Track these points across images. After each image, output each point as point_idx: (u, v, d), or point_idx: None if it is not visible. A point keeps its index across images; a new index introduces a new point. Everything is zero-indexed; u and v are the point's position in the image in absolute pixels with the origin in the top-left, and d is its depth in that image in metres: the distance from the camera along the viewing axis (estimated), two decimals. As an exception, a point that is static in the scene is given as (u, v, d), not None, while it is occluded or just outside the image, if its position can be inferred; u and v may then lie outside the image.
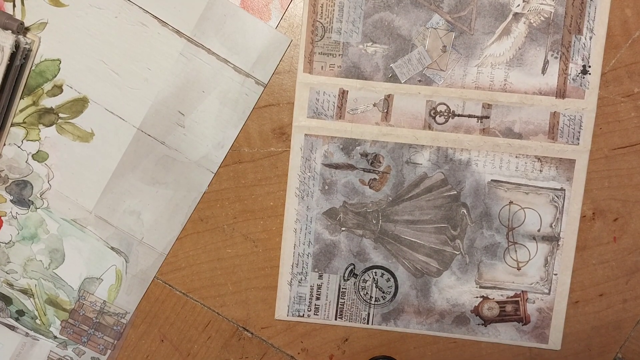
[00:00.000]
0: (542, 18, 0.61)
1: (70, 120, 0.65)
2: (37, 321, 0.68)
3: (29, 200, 0.66)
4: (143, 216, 0.65)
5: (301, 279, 0.65)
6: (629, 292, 0.65)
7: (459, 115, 0.63)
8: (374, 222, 0.64)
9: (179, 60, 0.63)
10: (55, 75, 0.64)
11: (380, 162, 0.64)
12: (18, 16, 0.63)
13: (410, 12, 0.62)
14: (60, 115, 0.64)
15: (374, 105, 0.63)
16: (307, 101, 0.63)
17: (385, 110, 0.63)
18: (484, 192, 0.64)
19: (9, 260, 0.67)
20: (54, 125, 0.65)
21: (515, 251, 0.64)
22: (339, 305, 0.66)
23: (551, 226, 0.64)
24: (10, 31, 0.60)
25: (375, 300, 0.65)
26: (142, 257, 0.66)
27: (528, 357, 0.66)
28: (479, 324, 0.65)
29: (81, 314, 0.67)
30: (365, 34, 0.62)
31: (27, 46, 0.62)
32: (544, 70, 0.62)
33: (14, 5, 0.63)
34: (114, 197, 0.65)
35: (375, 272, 0.65)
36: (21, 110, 0.64)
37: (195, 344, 0.68)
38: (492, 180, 0.63)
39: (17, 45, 0.61)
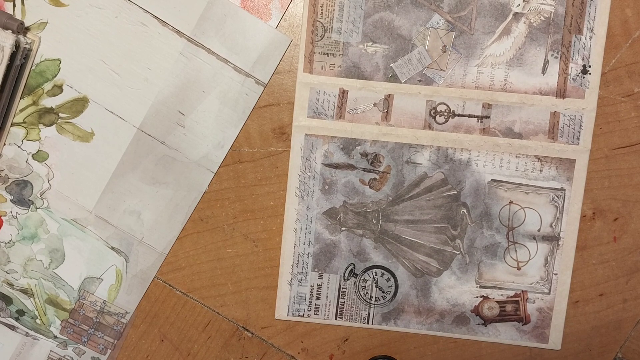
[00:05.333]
0: (542, 18, 0.61)
1: (70, 120, 0.65)
2: (37, 321, 0.68)
3: (29, 200, 0.66)
4: (143, 216, 0.65)
5: (301, 279, 0.65)
6: (629, 292, 0.65)
7: (459, 115, 0.63)
8: (374, 221, 0.64)
9: (179, 60, 0.63)
10: (56, 75, 0.64)
11: (380, 162, 0.64)
12: (18, 16, 0.63)
13: (411, 12, 0.62)
14: (61, 115, 0.64)
15: (374, 105, 0.63)
16: (307, 101, 0.63)
17: (385, 110, 0.63)
18: (484, 191, 0.64)
19: (9, 260, 0.67)
20: (54, 125, 0.65)
21: (516, 251, 0.64)
22: (339, 305, 0.66)
23: (551, 226, 0.64)
24: (11, 31, 0.60)
25: (375, 300, 0.65)
26: (142, 257, 0.66)
27: (528, 357, 0.66)
28: (479, 324, 0.65)
29: (81, 313, 0.67)
30: (365, 33, 0.62)
31: (27, 46, 0.62)
32: (544, 70, 0.62)
33: (14, 5, 0.63)
34: (114, 197, 0.65)
35: (376, 272, 0.65)
36: (21, 110, 0.64)
37: (195, 343, 0.68)
38: (492, 180, 0.63)
39: (17, 45, 0.61)
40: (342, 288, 0.66)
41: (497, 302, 0.65)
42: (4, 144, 0.65)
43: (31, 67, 0.64)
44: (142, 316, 0.67)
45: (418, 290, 0.65)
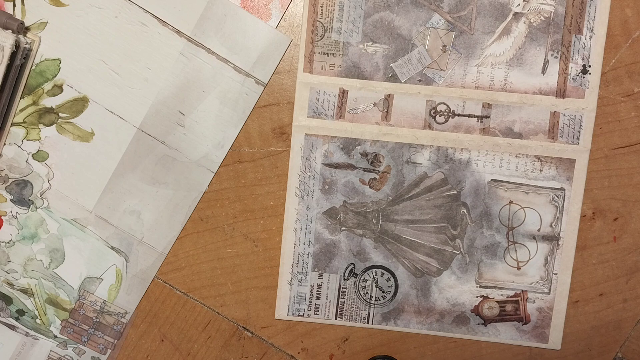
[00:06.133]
0: (542, 18, 0.61)
1: (70, 120, 0.65)
2: (37, 321, 0.68)
3: (29, 199, 0.66)
4: (143, 216, 0.65)
5: (301, 279, 0.65)
6: (629, 292, 0.65)
7: (459, 115, 0.63)
8: (374, 221, 0.64)
9: (179, 60, 0.63)
10: (56, 75, 0.64)
11: (380, 162, 0.64)
12: (18, 16, 0.63)
13: (411, 12, 0.62)
14: (61, 115, 0.64)
15: (374, 104, 0.63)
16: (307, 101, 0.63)
17: (385, 110, 0.63)
18: (484, 191, 0.64)
19: (9, 259, 0.67)
20: (54, 125, 0.65)
21: (515, 251, 0.64)
22: (339, 305, 0.66)
23: (551, 226, 0.64)
24: (11, 31, 0.60)
25: (375, 300, 0.65)
26: (142, 257, 0.66)
27: (528, 357, 0.66)
28: (479, 324, 0.65)
29: (81, 313, 0.67)
30: (365, 33, 0.62)
31: (27, 46, 0.62)
32: (544, 70, 0.62)
33: (14, 5, 0.63)
34: (114, 197, 0.65)
35: (376, 272, 0.65)
36: (21, 110, 0.64)
37: (195, 343, 0.68)
38: (492, 179, 0.63)
39: (17, 45, 0.61)
40: (342, 288, 0.66)
41: (497, 301, 0.65)
42: (4, 144, 0.65)
43: (31, 67, 0.64)
44: (142, 316, 0.67)
45: (418, 290, 0.65)
